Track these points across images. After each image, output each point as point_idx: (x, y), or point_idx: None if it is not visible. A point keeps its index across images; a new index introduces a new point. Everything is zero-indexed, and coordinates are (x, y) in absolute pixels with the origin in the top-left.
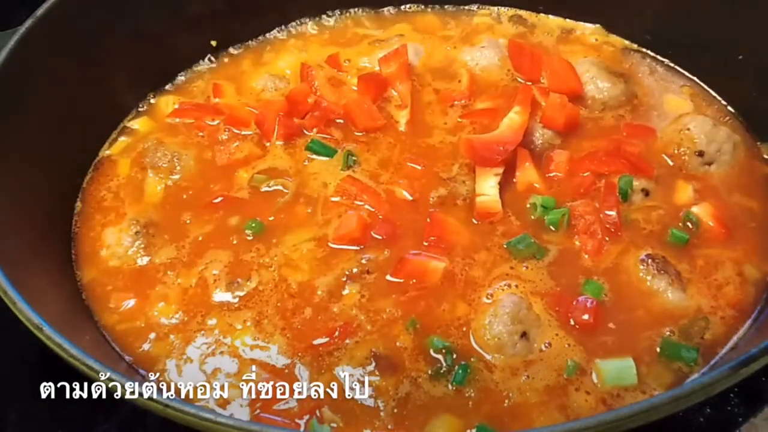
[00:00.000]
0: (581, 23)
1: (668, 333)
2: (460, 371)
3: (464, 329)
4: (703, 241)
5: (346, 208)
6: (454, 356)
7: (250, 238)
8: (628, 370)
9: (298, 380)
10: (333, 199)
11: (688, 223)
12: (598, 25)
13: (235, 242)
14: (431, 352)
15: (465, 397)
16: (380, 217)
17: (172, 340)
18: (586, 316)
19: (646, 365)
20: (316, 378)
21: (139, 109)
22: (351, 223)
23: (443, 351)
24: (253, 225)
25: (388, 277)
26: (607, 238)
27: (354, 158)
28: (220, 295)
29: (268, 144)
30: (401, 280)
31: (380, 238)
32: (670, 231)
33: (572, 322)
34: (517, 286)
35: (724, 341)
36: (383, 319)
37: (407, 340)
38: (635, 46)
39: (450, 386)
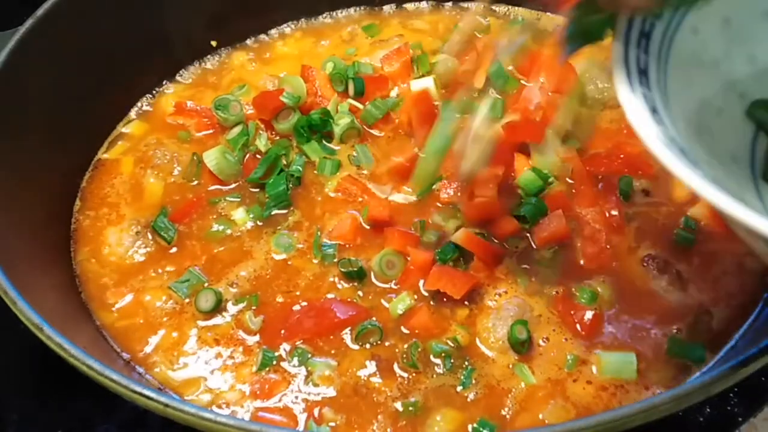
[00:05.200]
0: None
1: (675, 331)
2: (467, 374)
3: (467, 329)
4: (705, 238)
5: (346, 206)
6: (453, 361)
7: (249, 225)
8: (629, 365)
9: (295, 376)
10: (332, 195)
11: (690, 226)
12: None
13: (236, 237)
14: (431, 357)
15: (467, 393)
16: (380, 215)
17: (171, 336)
18: (585, 320)
19: (648, 362)
20: (314, 375)
21: (140, 109)
22: (345, 226)
23: (442, 355)
24: (255, 210)
25: (393, 285)
26: (608, 246)
27: (359, 158)
28: (219, 290)
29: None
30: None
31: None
32: (675, 232)
33: (578, 327)
34: (516, 289)
35: (732, 332)
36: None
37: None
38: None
39: (458, 388)
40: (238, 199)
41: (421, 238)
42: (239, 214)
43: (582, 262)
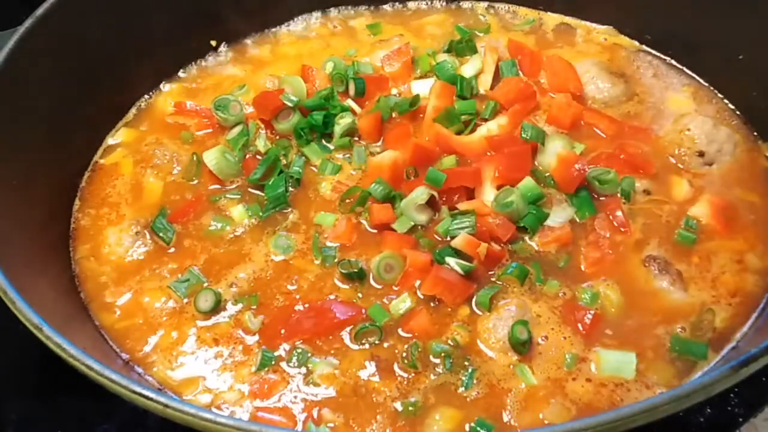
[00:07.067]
0: (585, 23)
1: (679, 330)
2: (469, 375)
3: (467, 329)
4: (705, 238)
5: (345, 206)
6: (453, 361)
7: (247, 223)
8: (628, 364)
9: (294, 377)
10: (329, 195)
11: (691, 225)
12: (608, 26)
13: (234, 239)
14: (431, 357)
15: (468, 393)
16: (377, 215)
17: (171, 336)
18: (586, 320)
19: (649, 362)
20: (314, 374)
21: (139, 109)
22: (341, 227)
23: (442, 355)
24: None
25: (395, 288)
26: (610, 251)
27: (355, 158)
28: (219, 291)
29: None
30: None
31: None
32: (677, 232)
33: (579, 327)
34: (516, 289)
35: (736, 328)
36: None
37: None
38: (636, 44)
39: (460, 389)
40: (238, 196)
41: (419, 240)
42: (237, 211)
43: (583, 267)
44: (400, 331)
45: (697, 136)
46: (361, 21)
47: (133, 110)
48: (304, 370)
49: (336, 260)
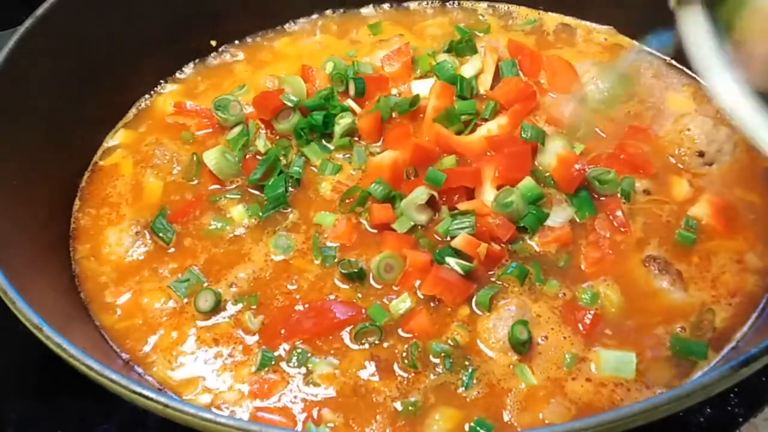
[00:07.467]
0: (585, 22)
1: (679, 330)
2: (469, 375)
3: (467, 329)
4: (706, 238)
5: (345, 206)
6: (452, 360)
7: (251, 222)
8: (628, 364)
9: (294, 377)
10: (329, 195)
11: (691, 225)
12: (608, 26)
13: (234, 238)
14: (431, 357)
15: (468, 393)
16: (377, 215)
17: (171, 336)
18: (586, 320)
19: (648, 362)
20: (313, 374)
21: (139, 109)
22: (341, 227)
23: (442, 355)
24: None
25: (395, 288)
26: (610, 251)
27: (355, 158)
28: (219, 291)
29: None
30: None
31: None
32: (677, 232)
33: (579, 327)
34: (516, 289)
35: (736, 328)
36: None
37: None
38: (636, 44)
39: (460, 389)
40: (238, 196)
41: (419, 240)
42: (237, 211)
43: (583, 266)
44: (400, 331)
45: (697, 136)
46: (361, 21)
47: (133, 110)
48: (304, 370)
49: (336, 260)
